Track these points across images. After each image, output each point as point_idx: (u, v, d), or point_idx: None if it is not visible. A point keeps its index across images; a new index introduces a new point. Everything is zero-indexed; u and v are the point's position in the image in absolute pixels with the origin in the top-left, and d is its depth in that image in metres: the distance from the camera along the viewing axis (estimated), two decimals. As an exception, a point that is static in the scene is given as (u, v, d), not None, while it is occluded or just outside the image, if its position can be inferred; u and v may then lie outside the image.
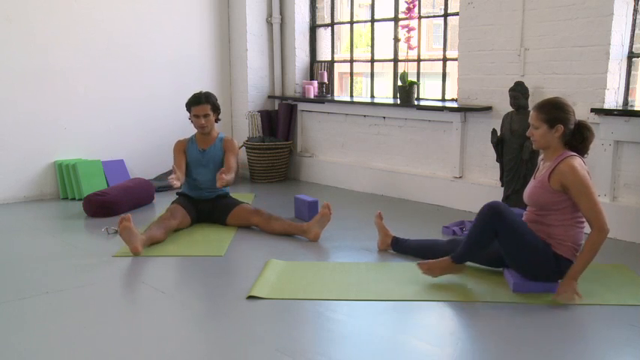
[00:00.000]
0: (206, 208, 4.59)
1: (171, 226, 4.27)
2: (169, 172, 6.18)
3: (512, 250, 3.20)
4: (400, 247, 3.89)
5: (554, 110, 3.17)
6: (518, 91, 4.41)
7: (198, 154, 4.64)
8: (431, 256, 3.53)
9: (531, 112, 3.27)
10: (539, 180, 3.22)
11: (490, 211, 3.16)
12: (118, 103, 5.94)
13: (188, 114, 4.68)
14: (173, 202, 4.56)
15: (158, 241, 4.09)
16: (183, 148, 4.69)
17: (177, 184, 4.21)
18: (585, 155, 3.24)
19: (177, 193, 4.69)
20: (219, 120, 4.74)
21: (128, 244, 3.85)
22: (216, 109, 4.66)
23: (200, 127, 4.61)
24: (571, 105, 3.24)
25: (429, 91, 5.88)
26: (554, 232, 3.18)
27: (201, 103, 4.57)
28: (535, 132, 3.23)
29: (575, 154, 3.18)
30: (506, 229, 3.14)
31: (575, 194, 3.08)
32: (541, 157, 3.38)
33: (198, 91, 4.69)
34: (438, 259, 3.36)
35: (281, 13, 6.64)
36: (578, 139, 3.19)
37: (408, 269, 3.56)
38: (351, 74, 6.49)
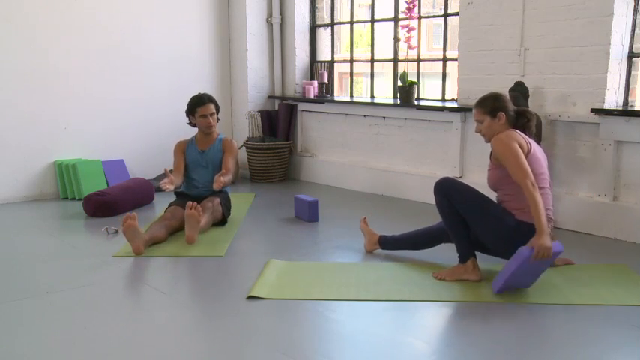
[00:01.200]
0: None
1: (173, 227, 4.28)
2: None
3: (475, 216, 3.33)
4: (389, 244, 3.88)
5: (492, 101, 3.36)
6: (518, 91, 4.41)
7: (197, 156, 4.66)
8: (425, 242, 3.72)
9: (473, 111, 3.45)
10: (489, 165, 3.42)
11: (440, 186, 3.43)
12: (118, 103, 5.94)
13: (188, 119, 4.68)
14: (172, 203, 4.56)
15: (160, 240, 4.10)
16: (183, 149, 4.72)
17: (169, 187, 4.21)
18: (533, 136, 3.42)
19: (175, 193, 4.68)
20: (219, 120, 4.76)
21: (131, 242, 3.85)
22: (217, 108, 4.73)
23: (207, 127, 4.63)
24: (506, 95, 3.46)
25: (429, 91, 5.88)
26: (515, 204, 3.26)
27: (206, 103, 4.61)
28: (481, 127, 3.41)
29: (511, 129, 3.33)
30: (461, 196, 3.34)
31: (503, 161, 3.23)
32: None
33: (195, 94, 4.70)
34: (450, 267, 3.44)
35: (281, 13, 6.64)
36: (523, 122, 3.36)
37: (408, 269, 3.56)
38: (351, 74, 6.49)
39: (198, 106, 4.61)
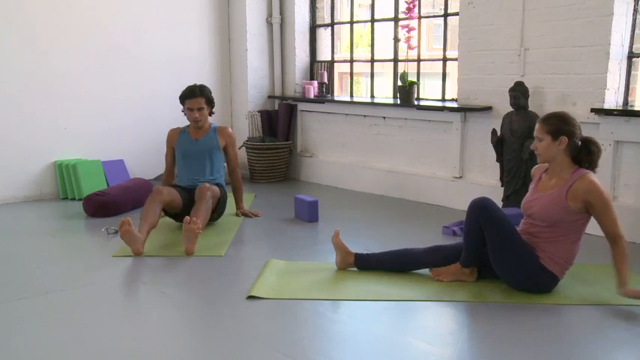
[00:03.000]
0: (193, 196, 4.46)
1: (162, 200, 4.18)
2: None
3: (495, 246, 3.18)
4: (365, 263, 3.53)
5: (558, 122, 3.15)
6: (518, 91, 4.41)
7: (190, 144, 4.63)
8: (403, 263, 3.48)
9: (536, 125, 3.24)
10: (554, 197, 3.15)
11: (475, 205, 3.22)
12: (118, 103, 5.94)
13: (182, 106, 4.67)
14: None
15: (155, 225, 4.07)
16: (173, 141, 4.70)
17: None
18: (595, 171, 3.22)
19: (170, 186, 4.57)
20: (213, 114, 4.75)
21: (130, 246, 3.84)
22: (210, 103, 4.64)
23: (194, 121, 4.61)
24: (577, 120, 3.20)
25: (429, 91, 5.88)
26: (548, 247, 3.16)
27: (195, 96, 4.54)
28: (539, 144, 3.20)
29: (587, 170, 3.16)
30: (491, 223, 3.16)
31: (600, 210, 3.10)
32: (536, 167, 3.37)
33: (192, 84, 4.67)
34: (449, 266, 3.37)
35: (281, 13, 6.64)
36: (585, 153, 3.16)
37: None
38: (351, 74, 6.48)
39: (187, 98, 4.56)
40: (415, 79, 5.58)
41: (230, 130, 4.83)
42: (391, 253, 3.55)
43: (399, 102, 5.56)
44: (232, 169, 4.84)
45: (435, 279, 3.37)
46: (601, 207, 3.09)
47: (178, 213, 4.41)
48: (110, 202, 4.91)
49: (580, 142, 3.16)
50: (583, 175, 3.12)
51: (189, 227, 3.85)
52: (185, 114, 4.67)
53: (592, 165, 3.19)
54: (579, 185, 3.09)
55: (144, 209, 4.11)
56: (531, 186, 3.38)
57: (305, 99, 6.43)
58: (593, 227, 4.33)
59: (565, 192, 3.12)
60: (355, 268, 3.57)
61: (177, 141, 4.71)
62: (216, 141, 4.69)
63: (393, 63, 5.94)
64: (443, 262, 3.41)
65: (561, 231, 3.16)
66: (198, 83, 4.72)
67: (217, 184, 4.60)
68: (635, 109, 4.27)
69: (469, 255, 3.30)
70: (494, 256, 3.23)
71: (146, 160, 6.10)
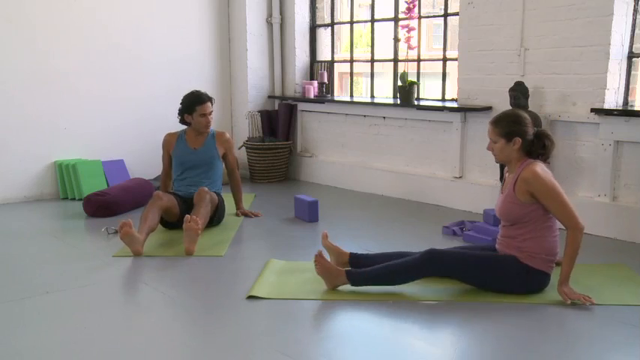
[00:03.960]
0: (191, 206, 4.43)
1: (162, 206, 4.17)
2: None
3: (475, 279, 3.20)
4: (359, 263, 3.44)
5: (511, 124, 3.15)
6: (518, 91, 4.42)
7: (189, 155, 4.60)
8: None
9: (488, 127, 3.24)
10: (507, 194, 3.19)
11: (426, 262, 3.14)
12: (118, 102, 5.94)
13: (182, 117, 4.59)
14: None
15: (155, 228, 4.07)
16: (170, 147, 4.66)
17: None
18: (547, 162, 3.23)
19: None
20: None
21: (130, 247, 3.84)
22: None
23: (206, 126, 4.58)
24: (528, 117, 3.21)
25: (429, 91, 5.88)
26: (526, 246, 3.14)
27: (206, 101, 4.55)
28: (494, 146, 3.21)
29: (535, 160, 3.16)
30: (452, 269, 3.16)
31: (543, 198, 3.06)
32: (506, 168, 3.34)
33: (192, 91, 4.65)
34: (338, 269, 3.25)
35: (281, 13, 6.64)
36: (539, 147, 3.15)
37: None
38: (351, 74, 6.49)
39: (198, 104, 4.52)
40: (415, 79, 5.58)
41: (228, 135, 4.81)
42: (387, 253, 3.47)
43: (399, 102, 5.56)
44: (231, 171, 4.84)
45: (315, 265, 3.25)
46: (543, 194, 3.05)
47: (174, 222, 4.38)
48: (110, 202, 4.91)
49: (534, 137, 3.16)
50: (526, 166, 3.12)
51: (189, 226, 3.85)
52: (187, 123, 4.61)
53: (545, 158, 3.20)
54: (522, 175, 3.10)
55: (144, 213, 4.09)
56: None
57: (305, 99, 6.43)
58: (591, 227, 4.35)
59: (513, 187, 3.14)
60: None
61: (174, 148, 4.65)
62: (215, 150, 4.65)
63: (393, 63, 5.94)
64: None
65: (528, 227, 3.14)
66: (197, 89, 4.70)
67: (216, 193, 4.55)
68: (635, 109, 4.27)
69: (375, 281, 3.21)
70: (480, 285, 3.21)
71: (146, 160, 6.09)
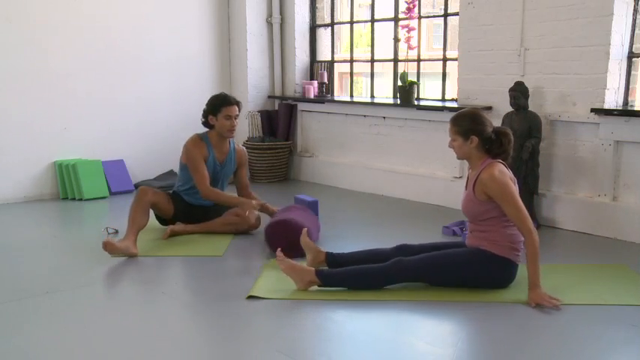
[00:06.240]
0: (199, 213, 4.41)
1: (149, 201, 4.08)
2: (170, 172, 6.18)
3: (445, 278, 3.23)
4: (336, 262, 3.44)
5: (467, 122, 3.19)
6: (519, 91, 4.41)
7: (216, 167, 4.39)
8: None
9: (449, 124, 3.27)
10: (467, 193, 3.25)
11: (395, 266, 3.17)
12: (118, 102, 5.94)
13: (205, 118, 4.33)
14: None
15: (144, 225, 4.02)
16: (205, 155, 4.31)
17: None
18: (508, 160, 3.24)
19: (173, 192, 4.46)
20: None
21: (124, 254, 3.82)
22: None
23: (230, 130, 4.31)
24: (487, 117, 3.24)
25: (429, 91, 5.88)
26: (491, 237, 3.18)
27: (233, 104, 4.31)
28: (453, 144, 3.26)
29: (495, 160, 3.18)
30: (419, 273, 3.19)
31: (499, 200, 3.10)
32: (468, 165, 3.36)
33: (219, 93, 4.49)
34: (304, 267, 3.28)
35: (281, 13, 6.64)
36: (497, 145, 3.18)
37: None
38: (351, 74, 6.49)
39: (224, 105, 4.27)
40: (415, 79, 5.58)
41: (246, 152, 4.65)
42: (361, 252, 3.48)
43: (399, 102, 5.56)
44: (244, 186, 4.60)
45: (278, 263, 3.26)
46: (498, 197, 3.10)
47: (169, 219, 4.35)
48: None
49: (494, 135, 3.19)
50: (486, 167, 3.16)
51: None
52: (211, 125, 4.33)
53: (504, 155, 3.22)
54: (480, 176, 3.15)
55: (131, 211, 4.01)
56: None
57: (305, 99, 6.43)
58: (591, 227, 4.35)
59: (472, 186, 3.19)
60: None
61: (207, 157, 4.33)
62: (234, 165, 4.48)
63: (393, 63, 5.94)
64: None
65: (490, 221, 3.18)
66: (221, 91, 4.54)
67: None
68: (635, 109, 4.27)
69: (344, 282, 3.23)
70: (451, 284, 3.23)
71: (146, 160, 6.10)
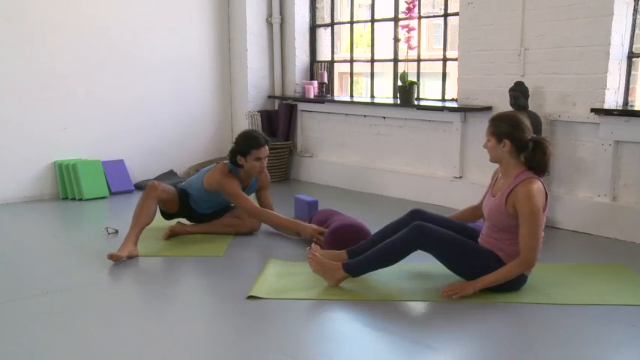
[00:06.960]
0: (201, 218, 4.41)
1: (157, 197, 4.04)
2: (170, 172, 6.18)
3: (452, 262, 3.21)
4: (357, 252, 3.44)
5: (504, 125, 3.11)
6: (519, 91, 4.42)
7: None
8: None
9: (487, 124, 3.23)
10: (497, 201, 3.16)
11: (413, 238, 3.13)
12: (118, 102, 5.94)
13: (235, 158, 4.18)
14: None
15: (150, 222, 3.99)
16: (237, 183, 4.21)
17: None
18: (546, 174, 3.16)
19: (181, 189, 4.36)
20: None
21: (128, 257, 3.82)
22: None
23: (259, 172, 4.22)
24: (527, 124, 3.15)
25: (429, 91, 5.88)
26: (508, 249, 3.15)
27: (264, 145, 4.16)
28: (487, 144, 3.20)
29: (534, 175, 3.10)
30: (435, 245, 3.15)
31: (522, 220, 3.04)
32: (498, 168, 3.32)
33: (248, 131, 4.34)
34: (333, 264, 3.25)
35: (281, 13, 6.64)
36: (536, 157, 3.09)
37: (408, 269, 3.56)
38: (351, 74, 6.49)
39: (254, 148, 4.12)
40: (415, 79, 5.58)
41: (267, 173, 4.49)
42: (377, 232, 3.51)
43: (399, 102, 5.56)
44: (269, 208, 4.47)
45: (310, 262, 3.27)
46: (524, 218, 3.03)
47: (173, 214, 4.35)
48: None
49: (531, 144, 3.10)
50: (523, 181, 3.06)
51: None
52: (242, 164, 4.18)
53: (541, 168, 3.11)
54: (517, 190, 3.05)
55: (138, 207, 3.98)
56: (488, 187, 3.37)
57: (305, 99, 6.43)
58: (591, 227, 4.35)
59: (505, 197, 3.10)
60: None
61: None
62: (255, 187, 4.43)
63: (393, 63, 5.94)
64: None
65: (512, 235, 3.12)
66: (250, 129, 4.41)
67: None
68: (635, 109, 4.27)
69: (373, 267, 3.24)
70: (454, 268, 3.22)
71: (146, 160, 6.11)
